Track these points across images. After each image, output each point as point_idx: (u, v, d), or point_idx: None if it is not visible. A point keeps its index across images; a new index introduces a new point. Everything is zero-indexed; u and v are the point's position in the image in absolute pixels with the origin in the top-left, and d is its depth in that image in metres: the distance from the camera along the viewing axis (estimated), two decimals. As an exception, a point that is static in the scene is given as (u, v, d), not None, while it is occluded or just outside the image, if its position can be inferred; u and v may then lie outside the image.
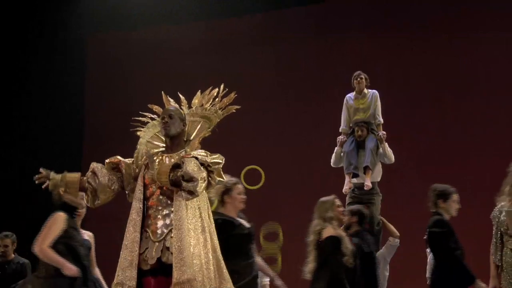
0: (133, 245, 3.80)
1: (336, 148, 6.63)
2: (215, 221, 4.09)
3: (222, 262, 3.88)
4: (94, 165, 4.10)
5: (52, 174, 4.09)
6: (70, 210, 4.63)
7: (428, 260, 5.99)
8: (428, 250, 6.02)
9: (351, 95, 6.69)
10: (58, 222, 4.56)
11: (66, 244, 4.56)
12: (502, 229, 4.42)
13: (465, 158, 8.30)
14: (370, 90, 6.65)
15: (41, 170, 4.10)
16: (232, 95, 4.20)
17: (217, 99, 4.20)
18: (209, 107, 4.18)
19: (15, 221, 8.32)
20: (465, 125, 8.39)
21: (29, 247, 4.69)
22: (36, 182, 4.10)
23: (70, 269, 4.45)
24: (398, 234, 6.16)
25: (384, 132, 6.58)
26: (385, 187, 6.65)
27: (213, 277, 3.76)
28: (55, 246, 4.52)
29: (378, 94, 6.64)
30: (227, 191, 4.70)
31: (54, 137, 10.38)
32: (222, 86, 4.20)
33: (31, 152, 10.05)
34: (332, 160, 6.68)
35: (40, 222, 4.61)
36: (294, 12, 9.96)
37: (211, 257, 3.78)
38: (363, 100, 6.51)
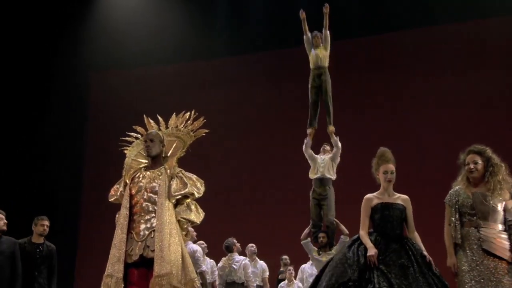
0: (120, 244, 4.49)
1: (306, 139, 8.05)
2: None
3: (188, 258, 4.60)
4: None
5: None
6: None
7: None
8: None
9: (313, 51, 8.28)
10: None
11: None
12: (462, 210, 4.53)
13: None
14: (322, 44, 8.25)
15: None
16: (201, 120, 4.94)
17: (189, 122, 4.94)
18: (182, 128, 4.92)
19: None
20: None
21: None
22: None
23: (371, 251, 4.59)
24: (348, 232, 7.09)
25: None
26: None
27: (181, 270, 4.47)
28: None
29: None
30: None
31: (60, 157, 11.70)
32: (193, 111, 4.96)
33: (43, 166, 11.46)
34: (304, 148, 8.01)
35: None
36: (268, 55, 11.29)
37: (178, 255, 4.48)
38: (320, 50, 8.27)
